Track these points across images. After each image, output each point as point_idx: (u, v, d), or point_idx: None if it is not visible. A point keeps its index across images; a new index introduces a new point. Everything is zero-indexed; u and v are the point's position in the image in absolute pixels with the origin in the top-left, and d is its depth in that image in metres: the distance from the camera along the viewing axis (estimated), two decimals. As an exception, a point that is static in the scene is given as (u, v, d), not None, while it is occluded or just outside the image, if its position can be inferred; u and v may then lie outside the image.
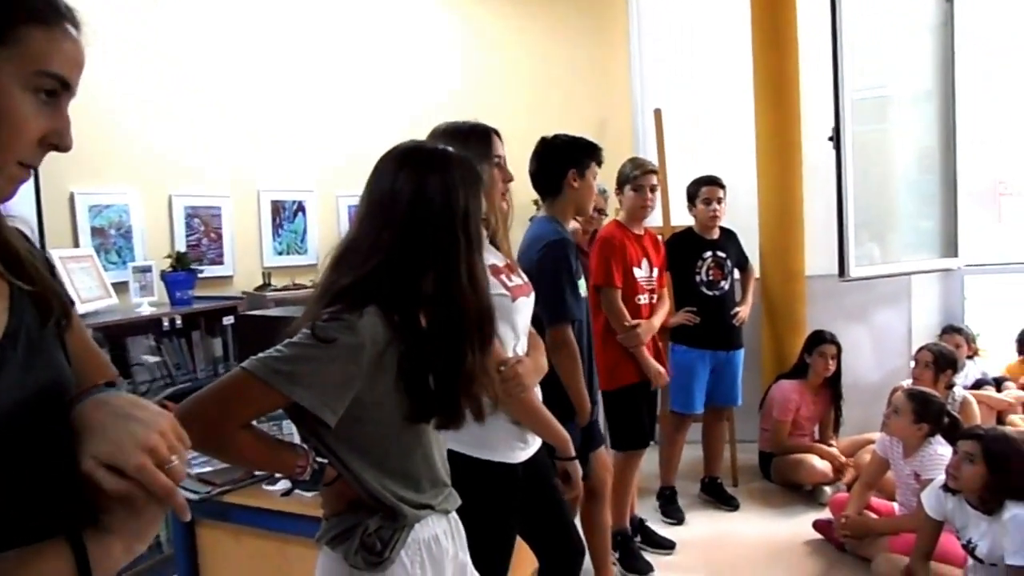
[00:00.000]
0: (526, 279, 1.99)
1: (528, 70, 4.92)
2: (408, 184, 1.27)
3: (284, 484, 1.96)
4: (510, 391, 1.77)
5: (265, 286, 3.92)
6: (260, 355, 1.18)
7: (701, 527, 3.70)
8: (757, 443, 4.27)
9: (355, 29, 4.42)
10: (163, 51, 3.56)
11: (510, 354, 1.85)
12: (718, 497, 3.96)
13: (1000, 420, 4.06)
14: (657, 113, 4.48)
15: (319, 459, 1.25)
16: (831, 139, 4.00)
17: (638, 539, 3.46)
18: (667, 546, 3.45)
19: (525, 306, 1.92)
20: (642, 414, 3.26)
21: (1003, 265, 5.14)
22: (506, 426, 1.85)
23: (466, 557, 1.43)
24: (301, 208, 4.28)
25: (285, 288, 3.91)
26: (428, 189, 1.26)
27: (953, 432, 3.16)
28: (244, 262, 4.00)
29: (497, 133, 1.92)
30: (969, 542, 2.71)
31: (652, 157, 4.19)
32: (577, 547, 2.16)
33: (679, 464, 3.90)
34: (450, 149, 1.35)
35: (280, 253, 4.20)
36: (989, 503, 2.64)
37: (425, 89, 4.55)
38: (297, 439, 1.32)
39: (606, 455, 2.82)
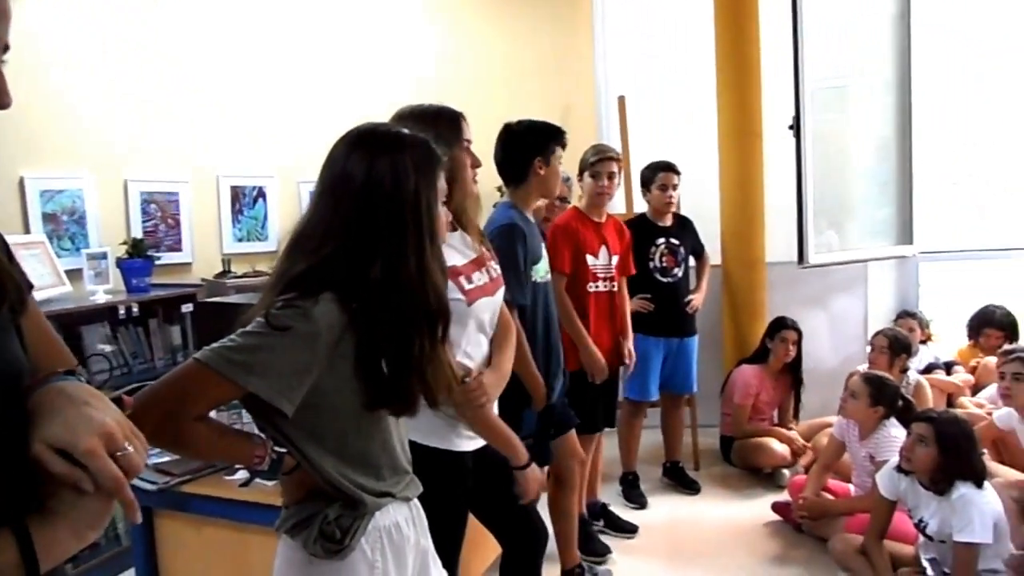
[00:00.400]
0: (496, 272, 1.96)
1: (493, 57, 4.90)
2: (358, 167, 1.25)
3: (243, 474, 1.93)
4: (471, 400, 1.77)
5: (225, 273, 3.86)
6: (214, 345, 1.16)
7: (663, 511, 3.75)
8: (718, 427, 4.34)
9: (320, 13, 4.36)
10: (119, 31, 3.47)
11: (462, 356, 1.83)
12: (680, 481, 4.01)
13: (950, 403, 4.17)
14: (621, 100, 4.50)
15: (277, 448, 1.23)
16: (791, 128, 4.06)
17: (601, 523, 3.49)
18: (630, 530, 3.49)
19: (488, 306, 1.90)
20: (592, 399, 3.19)
21: (956, 252, 5.28)
22: (455, 414, 1.84)
23: (428, 543, 1.43)
24: (261, 194, 4.22)
25: (245, 275, 3.85)
26: (376, 172, 1.24)
27: (907, 415, 3.24)
28: (203, 249, 3.94)
29: (464, 117, 1.89)
30: (921, 521, 2.80)
31: (616, 144, 4.21)
32: (539, 532, 2.17)
33: (639, 449, 3.94)
34: (405, 131, 1.32)
35: (240, 240, 4.15)
36: (940, 483, 2.72)
37: (390, 74, 4.51)
38: (255, 428, 1.31)
39: (575, 440, 2.80)
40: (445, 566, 1.54)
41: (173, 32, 3.70)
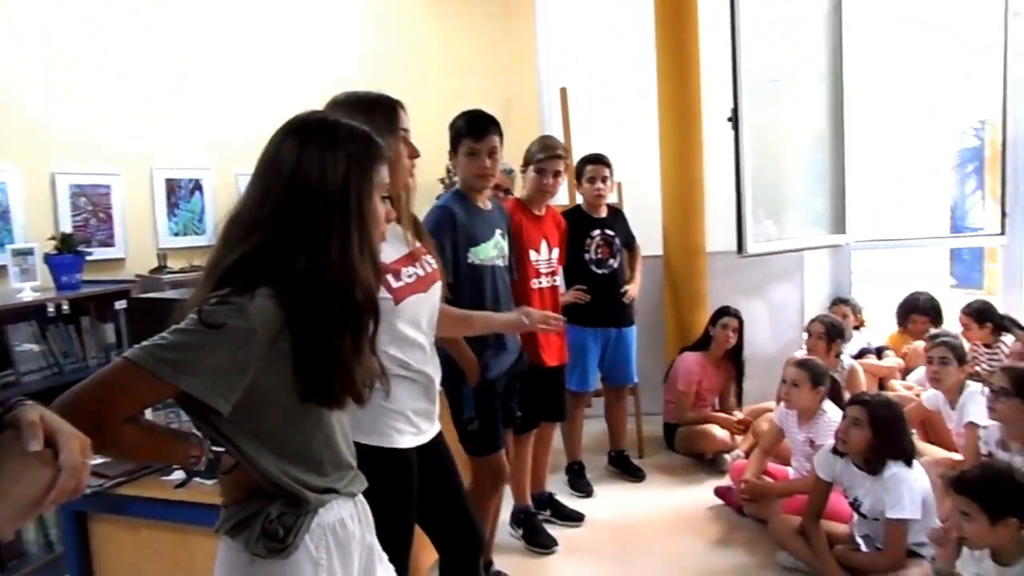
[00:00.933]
0: (431, 267, 1.93)
1: (433, 48, 4.86)
2: (288, 155, 1.22)
3: (180, 475, 1.88)
4: None
5: (161, 268, 3.75)
6: (144, 343, 1.12)
7: (609, 499, 3.80)
8: (662, 415, 4.41)
9: (256, 1, 4.25)
10: (45, 17, 3.32)
11: (386, 359, 1.80)
12: (625, 469, 4.07)
13: (882, 386, 4.33)
14: (563, 91, 4.52)
15: (214, 448, 1.20)
16: (730, 120, 4.14)
17: (548, 512, 3.51)
18: (576, 518, 3.52)
19: (422, 303, 1.87)
20: (535, 397, 3.13)
21: (886, 241, 5.47)
22: (394, 412, 1.82)
23: (373, 539, 1.42)
24: (198, 186, 4.11)
25: (183, 270, 3.75)
26: (305, 162, 1.21)
27: (835, 394, 3.37)
28: (137, 244, 3.81)
29: (402, 105, 1.84)
30: (855, 500, 2.90)
31: (558, 135, 4.22)
32: (477, 537, 2.14)
33: (582, 439, 3.97)
34: (347, 123, 1.29)
35: (176, 234, 4.03)
36: (873, 463, 2.82)
37: (329, 64, 4.44)
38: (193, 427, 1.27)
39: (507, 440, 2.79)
40: (396, 565, 1.53)
41: (104, 19, 3.57)
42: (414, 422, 1.88)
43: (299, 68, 4.35)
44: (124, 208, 3.72)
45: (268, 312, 1.16)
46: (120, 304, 3.32)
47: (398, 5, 4.85)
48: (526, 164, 3.28)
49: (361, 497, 1.40)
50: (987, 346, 4.24)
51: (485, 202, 2.68)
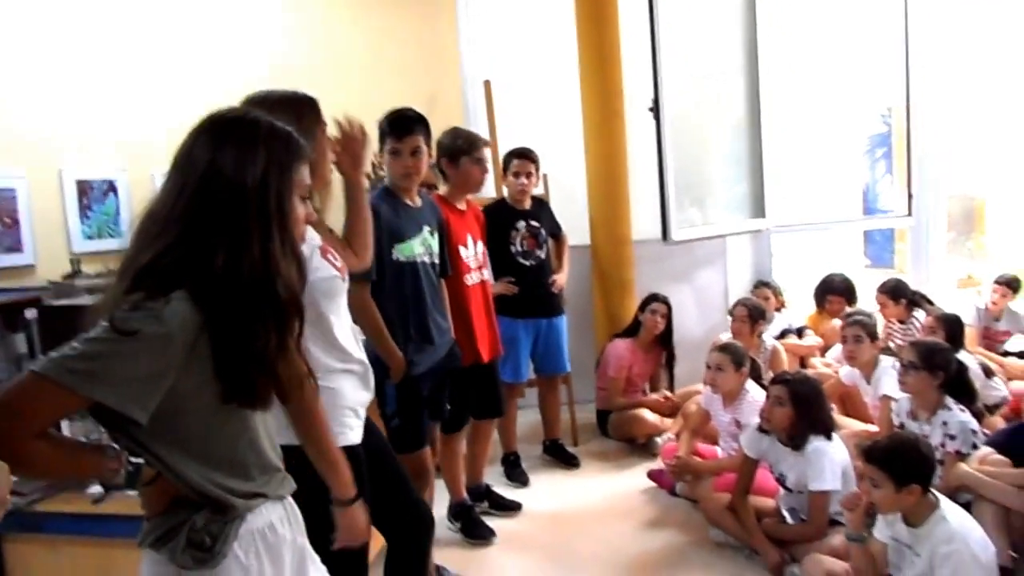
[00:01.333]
0: (339, 260, 1.93)
1: (351, 43, 4.76)
2: (204, 152, 1.19)
3: (98, 489, 1.82)
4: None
5: (75, 274, 3.59)
6: (53, 354, 1.07)
7: (545, 488, 3.84)
8: (594, 402, 4.48)
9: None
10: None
11: (354, 332, 1.83)
12: (560, 457, 4.12)
13: (803, 364, 4.50)
14: (487, 84, 4.52)
15: (133, 459, 1.16)
16: (651, 110, 4.22)
17: (485, 504, 3.52)
18: (513, 508, 3.55)
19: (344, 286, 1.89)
20: (466, 395, 3.13)
21: (804, 225, 5.67)
22: (344, 408, 1.81)
23: (304, 541, 1.40)
24: (112, 188, 3.94)
25: (99, 275, 3.59)
26: (220, 158, 1.19)
27: (755, 375, 3.50)
28: (48, 249, 3.63)
29: (318, 103, 1.83)
30: (781, 475, 3.01)
31: (483, 128, 4.22)
32: (425, 521, 2.14)
33: (516, 429, 4.00)
34: (266, 119, 1.26)
35: (90, 237, 3.86)
36: (796, 439, 2.94)
37: (243, 61, 4.30)
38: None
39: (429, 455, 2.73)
40: (355, 566, 1.50)
41: (4, 14, 3.38)
42: (360, 414, 1.87)
43: (214, 63, 4.21)
44: (32, 212, 3.54)
45: (185, 316, 1.13)
46: (31, 313, 3.17)
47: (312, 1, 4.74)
48: (453, 158, 3.18)
49: (290, 499, 1.38)
50: (901, 322, 4.46)
51: (414, 199, 2.66)
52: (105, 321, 1.09)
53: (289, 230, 1.23)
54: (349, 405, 1.83)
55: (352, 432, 1.83)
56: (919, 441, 2.44)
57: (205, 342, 1.15)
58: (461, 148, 3.16)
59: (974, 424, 2.92)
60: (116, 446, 1.17)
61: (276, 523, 1.31)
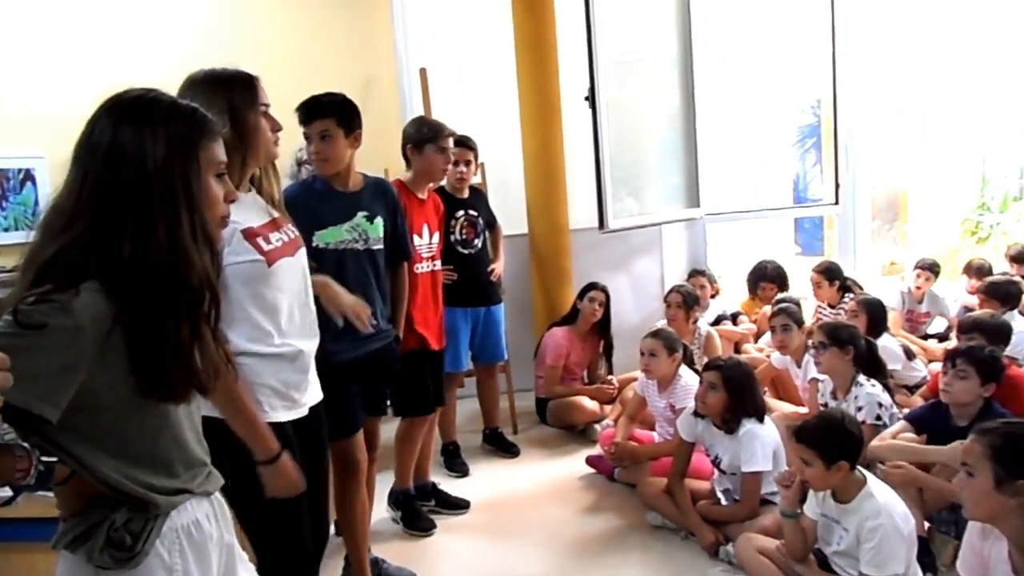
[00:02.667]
0: (294, 233, 1.91)
1: (287, 27, 4.65)
2: (103, 135, 1.14)
3: (6, 492, 1.72)
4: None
5: (-11, 267, 3.44)
6: None
7: (485, 477, 3.85)
8: (533, 391, 4.50)
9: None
10: None
11: (284, 317, 1.79)
12: (499, 446, 4.13)
13: (737, 349, 4.61)
14: (422, 72, 4.47)
15: (45, 458, 1.10)
16: (587, 99, 4.24)
17: (432, 503, 3.46)
18: (462, 506, 3.49)
19: (293, 267, 1.85)
20: (425, 380, 3.18)
21: (736, 213, 5.80)
22: (258, 385, 1.77)
23: (232, 539, 1.36)
24: (29, 176, 3.79)
25: (14, 270, 3.44)
26: (120, 140, 1.14)
27: (688, 359, 3.58)
28: (-41, 241, 3.47)
29: (258, 80, 1.81)
30: (716, 457, 3.08)
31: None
32: (322, 536, 2.10)
33: (456, 419, 3.99)
34: (166, 97, 1.21)
35: (7, 229, 3.72)
36: (730, 422, 3.00)
37: (166, 43, 4.15)
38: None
39: (363, 434, 2.63)
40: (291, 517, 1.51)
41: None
42: (286, 396, 1.84)
43: (138, 46, 4.06)
44: (-59, 202, 3.37)
45: (96, 307, 1.08)
46: (-59, 308, 3.01)
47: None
48: (418, 145, 3.15)
49: (218, 495, 1.34)
50: (832, 306, 4.60)
51: (347, 184, 2.59)
52: (8, 315, 1.03)
53: (200, 213, 1.18)
54: (267, 384, 1.79)
55: (273, 412, 1.80)
56: (846, 419, 2.52)
57: (119, 334, 1.10)
58: (425, 136, 3.15)
59: (883, 397, 3.04)
60: (25, 445, 1.11)
61: (202, 520, 1.27)
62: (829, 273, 4.68)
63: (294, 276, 1.86)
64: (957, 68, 7.05)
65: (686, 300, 4.25)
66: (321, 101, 2.51)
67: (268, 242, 1.79)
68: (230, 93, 1.70)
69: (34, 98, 3.69)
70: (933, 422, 2.82)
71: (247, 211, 1.77)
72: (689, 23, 4.91)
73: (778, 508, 2.62)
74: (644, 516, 3.25)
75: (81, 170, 1.15)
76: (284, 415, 1.83)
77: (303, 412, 1.89)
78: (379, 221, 2.64)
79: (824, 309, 4.63)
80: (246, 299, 1.74)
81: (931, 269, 4.87)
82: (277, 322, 1.80)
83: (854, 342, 3.13)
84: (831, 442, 2.37)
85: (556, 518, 3.35)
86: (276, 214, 1.88)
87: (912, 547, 2.33)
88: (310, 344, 1.91)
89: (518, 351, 4.33)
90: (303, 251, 1.93)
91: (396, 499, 3.34)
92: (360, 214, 2.59)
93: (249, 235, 1.75)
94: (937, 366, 4.06)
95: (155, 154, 1.14)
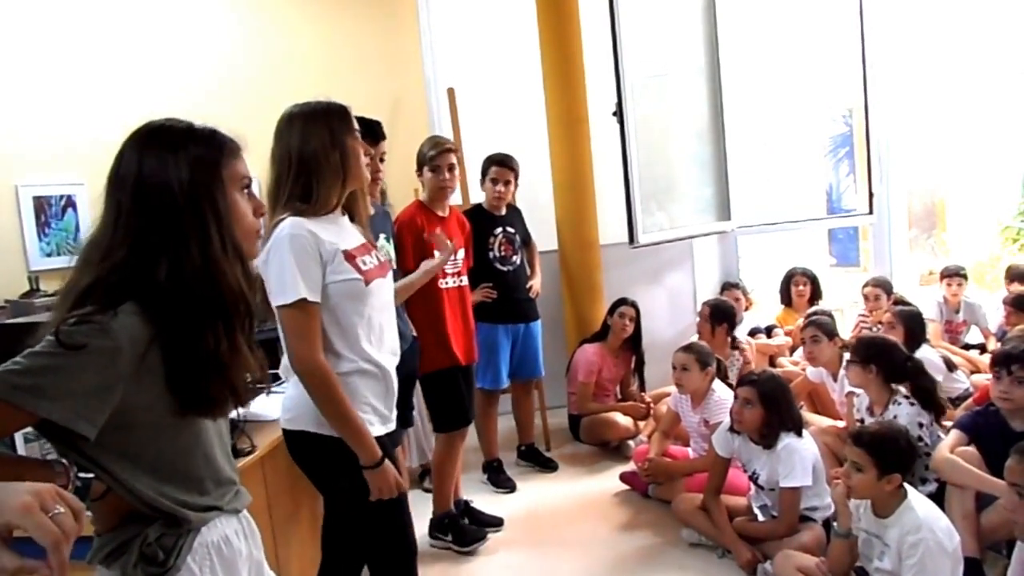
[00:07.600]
0: (384, 258, 2.01)
1: (315, 49, 4.73)
2: (130, 166, 1.19)
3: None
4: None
5: (32, 292, 3.53)
6: None
7: (519, 493, 3.83)
8: (566, 407, 4.48)
9: (124, 5, 4.05)
10: None
11: (378, 334, 1.89)
12: (536, 461, 4.12)
13: (772, 363, 4.54)
14: (450, 92, 4.51)
15: (82, 474, 1.13)
16: (615, 115, 4.24)
17: (466, 521, 3.43)
18: (496, 523, 3.46)
19: (386, 286, 1.95)
20: (461, 395, 3.22)
21: (768, 225, 5.73)
22: (364, 404, 1.86)
23: (261, 555, 1.38)
24: (71, 203, 3.89)
25: (56, 293, 3.53)
26: (145, 169, 1.18)
27: (721, 374, 3.54)
28: (4, 267, 3.58)
29: (350, 110, 1.93)
30: (754, 473, 3.03)
31: (447, 135, 4.21)
32: (412, 547, 2.11)
33: (497, 436, 3.99)
34: (184, 123, 1.25)
35: (49, 255, 3.80)
36: (768, 438, 2.95)
37: (207, 69, 4.26)
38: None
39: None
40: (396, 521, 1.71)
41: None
42: (379, 412, 1.92)
43: (172, 73, 4.16)
44: (-13, 230, 3.48)
45: (134, 328, 1.11)
46: (-14, 332, 3.09)
47: (272, 9, 4.68)
48: (420, 166, 3.25)
49: (247, 513, 1.36)
50: (880, 323, 4.49)
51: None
52: (51, 335, 1.07)
53: (228, 227, 1.22)
54: (367, 401, 1.88)
55: (372, 427, 1.87)
56: (906, 433, 2.47)
57: (156, 355, 1.14)
58: (421, 157, 3.24)
59: (923, 417, 2.95)
60: (64, 461, 1.14)
61: (231, 536, 1.29)
62: (887, 286, 4.62)
63: (388, 296, 1.96)
64: (993, 72, 6.91)
65: (714, 312, 4.20)
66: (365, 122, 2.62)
67: (364, 263, 1.87)
68: (329, 122, 1.82)
69: (73, 126, 3.80)
70: (986, 428, 2.72)
71: (345, 234, 1.88)
72: (716, 35, 4.90)
73: (834, 528, 2.55)
74: (680, 533, 3.21)
75: (114, 202, 1.19)
76: (380, 429, 1.91)
77: (393, 427, 1.97)
78: (390, 243, 2.79)
79: (866, 321, 4.54)
80: (353, 315, 1.83)
81: (958, 275, 4.77)
82: (374, 340, 1.89)
83: (880, 359, 3.04)
84: (890, 452, 2.32)
85: (591, 535, 3.32)
86: (368, 238, 1.98)
87: (958, 564, 2.26)
88: (395, 361, 1.99)
89: (550, 368, 4.32)
90: (391, 274, 2.02)
91: (439, 524, 3.31)
92: (382, 235, 2.66)
93: (348, 256, 1.83)
94: (979, 377, 3.97)
95: (180, 177, 1.18)
